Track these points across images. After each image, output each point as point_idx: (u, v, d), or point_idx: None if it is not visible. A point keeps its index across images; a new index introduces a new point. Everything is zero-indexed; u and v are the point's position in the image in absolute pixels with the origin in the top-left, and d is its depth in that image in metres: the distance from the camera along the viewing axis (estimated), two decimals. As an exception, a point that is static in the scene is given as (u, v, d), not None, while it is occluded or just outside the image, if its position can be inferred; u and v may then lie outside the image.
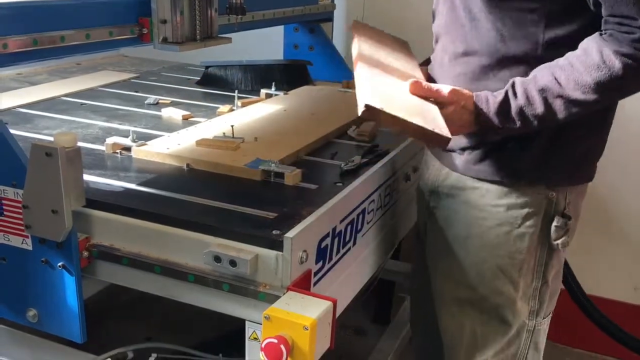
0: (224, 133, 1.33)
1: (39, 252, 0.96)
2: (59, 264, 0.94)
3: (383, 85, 1.01)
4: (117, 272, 0.98)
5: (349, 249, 1.10)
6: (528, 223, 1.10)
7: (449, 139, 0.90)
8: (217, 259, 0.88)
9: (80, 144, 1.21)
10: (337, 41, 2.15)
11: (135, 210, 0.99)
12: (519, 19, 1.00)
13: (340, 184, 1.12)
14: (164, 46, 1.16)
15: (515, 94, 0.99)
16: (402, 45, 1.32)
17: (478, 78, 1.05)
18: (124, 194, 1.05)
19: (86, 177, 1.09)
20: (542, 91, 0.97)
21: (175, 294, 0.95)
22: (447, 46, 1.10)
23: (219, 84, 1.88)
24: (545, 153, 1.06)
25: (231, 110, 1.60)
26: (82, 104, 1.62)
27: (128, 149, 1.25)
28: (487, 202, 1.12)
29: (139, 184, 1.09)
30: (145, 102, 1.67)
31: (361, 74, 1.03)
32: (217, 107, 1.63)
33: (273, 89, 1.75)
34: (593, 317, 1.85)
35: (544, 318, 1.19)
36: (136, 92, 1.80)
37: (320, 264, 0.99)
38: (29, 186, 0.91)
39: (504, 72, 1.02)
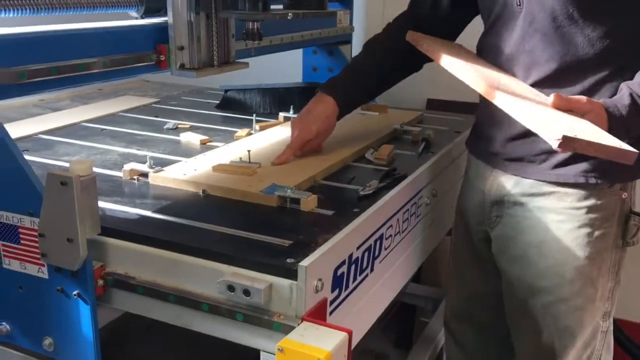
0: (240, 158, 1.31)
1: (55, 281, 0.95)
2: (74, 292, 0.94)
3: (534, 108, 0.99)
4: (132, 300, 0.97)
5: (367, 275, 1.08)
6: (607, 224, 1.12)
7: (636, 153, 0.90)
8: (231, 288, 0.87)
9: (98, 170, 1.27)
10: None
11: (149, 238, 0.97)
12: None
13: (357, 210, 1.09)
14: (182, 72, 1.16)
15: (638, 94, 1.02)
16: (469, 52, 1.27)
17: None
18: (139, 222, 1.04)
19: (102, 204, 1.08)
20: None
21: (189, 323, 0.94)
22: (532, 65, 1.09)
23: (237, 108, 1.88)
24: None
25: (249, 134, 1.59)
26: (102, 129, 1.62)
27: (145, 175, 1.24)
28: (566, 205, 1.13)
29: (155, 211, 1.08)
30: (165, 127, 1.67)
31: (501, 98, 1.01)
32: (235, 131, 1.62)
33: (291, 112, 1.74)
34: (619, 340, 1.85)
35: (611, 318, 1.21)
36: (156, 116, 1.80)
37: (337, 292, 0.97)
38: (44, 215, 0.91)
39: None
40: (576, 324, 1.16)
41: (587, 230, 1.12)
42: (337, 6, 2.00)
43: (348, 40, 2.03)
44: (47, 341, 0.98)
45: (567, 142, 0.88)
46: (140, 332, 1.35)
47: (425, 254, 1.42)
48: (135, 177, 1.25)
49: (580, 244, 1.13)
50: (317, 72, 2.04)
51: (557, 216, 1.13)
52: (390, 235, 1.18)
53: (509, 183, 1.19)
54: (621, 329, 1.89)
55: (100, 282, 0.96)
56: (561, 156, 1.11)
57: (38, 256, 0.95)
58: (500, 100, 1.01)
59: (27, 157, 1.00)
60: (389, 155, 1.40)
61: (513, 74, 1.13)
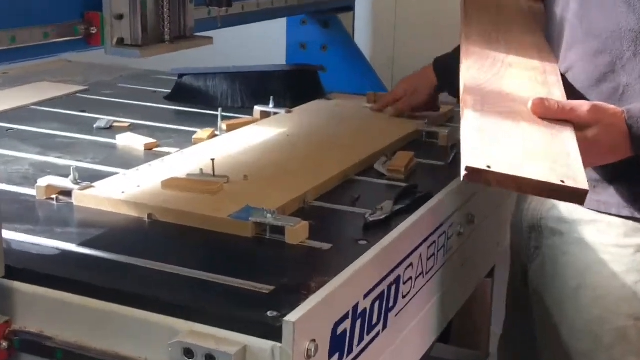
0: (201, 170, 1.30)
1: (-61, 343, 0.97)
2: (-34, 360, 0.96)
3: (495, 116, 1.03)
4: (49, 370, 0.99)
5: (378, 334, 1.07)
6: None
7: (585, 192, 0.90)
8: (189, 353, 0.85)
9: (1, 186, 1.26)
10: (361, 38, 2.16)
11: (74, 283, 0.95)
12: None
13: (365, 242, 1.09)
14: (120, 50, 1.16)
15: None
16: (530, 22, 1.30)
17: None
18: (59, 259, 1.03)
19: (7, 234, 1.07)
20: None
21: (130, 401, 0.96)
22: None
23: (197, 100, 1.88)
24: None
25: (213, 136, 1.58)
26: (7, 129, 1.62)
27: (68, 193, 1.22)
28: (609, 241, 1.16)
29: (81, 244, 1.06)
30: (95, 125, 1.67)
31: (467, 100, 1.06)
32: (194, 132, 1.61)
33: (271, 105, 1.74)
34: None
35: None
36: (83, 111, 1.79)
37: (337, 357, 0.95)
38: None
39: None
40: None
41: (634, 277, 1.14)
42: (334, -40, 2.13)
43: (350, 7, 2.05)
44: None
45: (474, 174, 0.91)
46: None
47: (457, 303, 1.42)
48: (54, 196, 1.23)
49: (625, 296, 1.15)
50: (306, 50, 2.05)
51: (598, 255, 1.16)
52: (410, 278, 1.18)
53: (547, 203, 1.24)
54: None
55: (4, 344, 0.94)
56: (601, 179, 1.14)
57: None
58: (464, 97, 1.07)
59: None
60: (407, 165, 1.40)
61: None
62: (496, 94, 1.10)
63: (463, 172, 0.91)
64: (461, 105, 1.07)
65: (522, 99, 1.07)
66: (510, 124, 1.02)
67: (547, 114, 1.02)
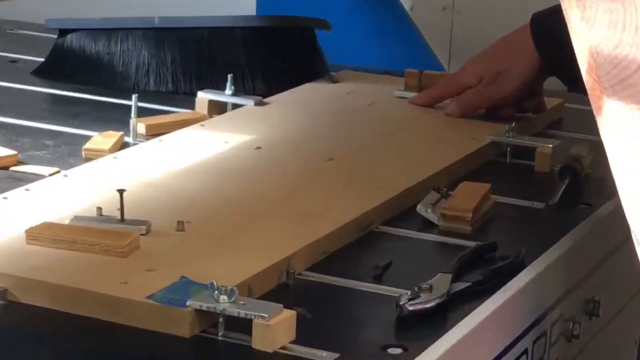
0: (99, 209, 1.15)
1: None
2: None
3: None
4: None
5: None
6: None
7: None
8: None
9: None
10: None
11: None
12: None
13: (399, 352, 0.92)
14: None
15: None
16: None
17: None
18: None
19: None
20: None
21: None
22: None
23: (90, 77, 1.72)
24: None
25: (121, 146, 1.44)
26: None
27: None
28: None
29: None
30: None
31: (598, 84, 0.92)
32: (87, 137, 1.44)
33: (228, 90, 1.58)
34: None
35: None
36: None
37: None
38: None
39: None
40: None
41: None
42: None
43: None
44: None
45: None
46: None
47: None
48: None
49: None
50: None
51: None
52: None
53: None
54: None
55: None
56: None
57: None
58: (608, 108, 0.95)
59: None
60: (478, 208, 1.24)
61: None
62: None
63: None
64: (589, 93, 0.93)
65: None
66: None
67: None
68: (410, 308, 0.97)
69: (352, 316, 1.02)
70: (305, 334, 0.93)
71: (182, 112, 1.57)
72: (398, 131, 1.52)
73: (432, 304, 0.98)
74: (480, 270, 1.07)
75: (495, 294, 1.04)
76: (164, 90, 1.68)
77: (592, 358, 1.32)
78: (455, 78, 1.58)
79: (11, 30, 2.06)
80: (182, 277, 0.97)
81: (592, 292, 1.25)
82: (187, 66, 1.69)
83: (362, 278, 1.07)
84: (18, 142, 1.43)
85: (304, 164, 1.37)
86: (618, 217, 1.24)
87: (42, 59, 1.78)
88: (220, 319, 0.92)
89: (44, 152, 1.41)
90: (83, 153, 1.39)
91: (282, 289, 1.04)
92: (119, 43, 1.70)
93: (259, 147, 1.41)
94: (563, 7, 0.97)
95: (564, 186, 1.32)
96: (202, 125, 1.50)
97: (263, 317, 0.89)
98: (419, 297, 0.98)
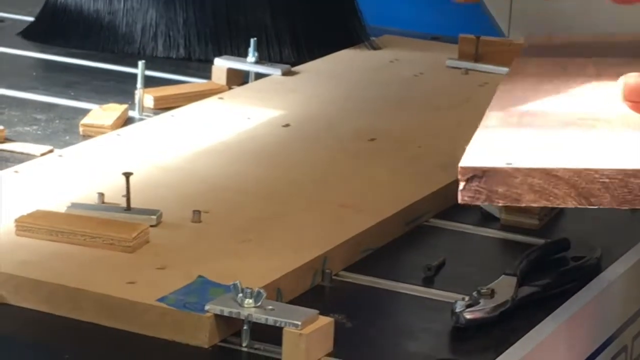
0: (101, 195, 1.15)
1: None
2: None
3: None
4: None
5: None
6: None
7: None
8: None
9: None
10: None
11: None
12: None
13: None
14: None
15: None
16: None
17: None
18: None
19: None
20: None
21: None
22: None
23: (87, 39, 1.72)
24: None
25: (123, 119, 1.43)
26: None
27: None
28: None
29: None
30: None
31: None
32: (86, 110, 1.43)
33: (251, 56, 1.57)
34: None
35: None
36: None
37: None
38: None
39: None
40: None
41: None
42: None
43: None
44: None
45: (472, 181, 0.97)
46: None
47: None
48: None
49: None
50: None
51: None
52: None
53: None
54: None
55: None
56: None
57: None
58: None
59: None
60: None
61: None
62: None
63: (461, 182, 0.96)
64: None
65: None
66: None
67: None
68: (468, 316, 0.95)
69: (398, 325, 1.00)
70: (344, 345, 0.91)
71: (197, 83, 1.57)
72: (452, 106, 1.51)
73: (494, 312, 0.97)
74: (550, 273, 1.06)
75: (567, 302, 1.03)
76: (174, 57, 1.69)
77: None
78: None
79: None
80: (200, 276, 0.96)
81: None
82: (202, 28, 1.70)
83: (411, 280, 1.06)
84: (4, 116, 1.42)
85: (340, 145, 1.35)
86: None
87: (31, 19, 1.78)
88: (245, 327, 0.89)
89: (35, 127, 1.40)
90: (80, 129, 1.37)
91: (317, 292, 1.03)
92: (122, 0, 1.70)
93: (287, 125, 1.40)
94: None
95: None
96: (220, 98, 1.49)
97: (295, 325, 0.87)
98: (478, 303, 0.97)
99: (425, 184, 1.24)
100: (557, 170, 0.92)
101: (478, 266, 1.11)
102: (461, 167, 0.92)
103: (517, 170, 0.93)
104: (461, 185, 0.92)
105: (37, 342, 0.96)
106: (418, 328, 0.99)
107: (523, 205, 0.95)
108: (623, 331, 1.14)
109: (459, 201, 0.93)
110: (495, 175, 0.93)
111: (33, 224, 1.07)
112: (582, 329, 1.07)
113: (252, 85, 1.57)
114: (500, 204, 0.98)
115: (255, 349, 0.91)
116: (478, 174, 0.93)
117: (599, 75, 1.23)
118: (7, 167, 1.25)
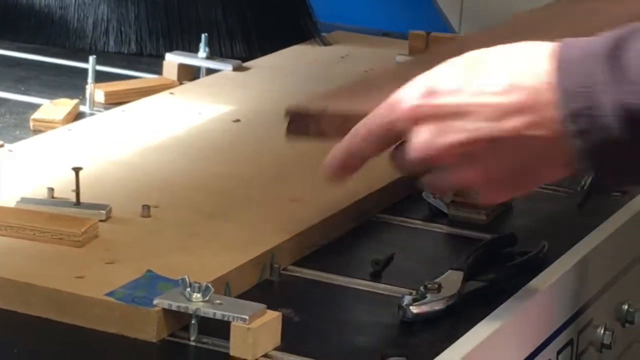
0: (50, 190, 1.16)
1: None
2: None
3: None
4: None
5: None
6: None
7: None
8: None
9: None
10: None
11: None
12: None
13: None
14: None
15: None
16: None
17: None
18: None
19: None
20: None
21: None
22: None
23: (38, 33, 1.75)
24: None
25: (74, 114, 1.44)
26: None
27: None
28: None
29: None
30: None
31: None
32: (36, 104, 1.45)
33: (202, 51, 1.60)
34: None
35: None
36: None
37: None
38: None
39: None
40: None
41: None
42: None
43: None
44: None
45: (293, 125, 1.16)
46: None
47: None
48: None
49: None
50: None
51: None
52: None
53: None
54: None
55: None
56: None
57: None
58: None
59: None
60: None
61: None
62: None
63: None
64: None
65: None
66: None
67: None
68: (415, 311, 0.97)
69: (346, 319, 1.01)
70: (292, 339, 0.92)
71: (148, 78, 1.58)
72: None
73: (441, 306, 0.98)
74: (497, 268, 1.07)
75: (513, 296, 1.03)
76: (126, 52, 1.70)
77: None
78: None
79: None
80: (148, 271, 0.97)
81: (626, 295, 1.25)
82: (153, 23, 1.70)
83: (358, 275, 1.07)
84: None
85: (290, 143, 1.35)
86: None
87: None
88: (193, 321, 0.91)
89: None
90: (31, 124, 1.38)
91: (266, 287, 1.04)
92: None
93: (237, 120, 1.42)
94: None
95: (589, 180, 1.33)
96: (171, 93, 1.51)
97: (243, 319, 0.88)
98: (425, 298, 0.98)
99: (374, 179, 1.25)
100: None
101: (426, 261, 1.13)
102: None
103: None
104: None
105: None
106: (366, 322, 1.02)
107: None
108: (569, 325, 1.16)
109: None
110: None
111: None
112: (529, 323, 1.08)
113: (203, 80, 1.60)
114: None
115: (204, 343, 0.94)
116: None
117: None
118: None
